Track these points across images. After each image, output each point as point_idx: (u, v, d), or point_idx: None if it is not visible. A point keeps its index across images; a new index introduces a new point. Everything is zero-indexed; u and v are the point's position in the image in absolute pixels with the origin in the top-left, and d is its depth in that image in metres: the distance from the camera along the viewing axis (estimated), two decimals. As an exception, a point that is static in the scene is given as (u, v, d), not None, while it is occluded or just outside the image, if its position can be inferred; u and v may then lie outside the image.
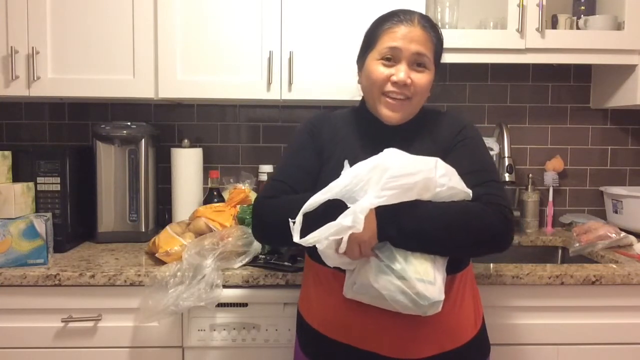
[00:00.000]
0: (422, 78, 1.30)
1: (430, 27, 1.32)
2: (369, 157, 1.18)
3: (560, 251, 2.10)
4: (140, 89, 1.86)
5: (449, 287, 1.24)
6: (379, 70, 1.29)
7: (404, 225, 1.14)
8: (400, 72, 1.27)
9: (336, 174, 1.19)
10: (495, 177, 1.30)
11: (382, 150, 1.20)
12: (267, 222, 1.29)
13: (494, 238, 1.20)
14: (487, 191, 1.23)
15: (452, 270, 1.24)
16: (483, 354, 1.35)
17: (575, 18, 2.05)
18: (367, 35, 1.36)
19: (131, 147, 1.96)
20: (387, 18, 1.32)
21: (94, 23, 1.84)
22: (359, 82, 1.39)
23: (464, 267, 1.30)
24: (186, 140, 2.06)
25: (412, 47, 1.28)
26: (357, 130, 1.37)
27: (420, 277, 1.13)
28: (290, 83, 1.85)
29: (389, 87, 1.29)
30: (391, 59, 1.29)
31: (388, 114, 1.31)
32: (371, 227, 1.13)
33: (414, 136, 1.34)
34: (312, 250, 1.22)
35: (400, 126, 1.33)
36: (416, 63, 1.29)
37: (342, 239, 1.10)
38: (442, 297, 1.15)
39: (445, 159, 1.23)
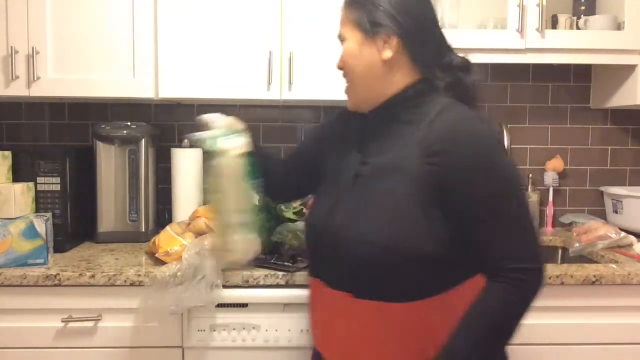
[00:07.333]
0: (344, 49, 1.27)
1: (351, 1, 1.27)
2: (351, 152, 1.24)
3: (560, 251, 2.10)
4: (140, 89, 1.86)
5: (448, 304, 1.12)
6: None
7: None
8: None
9: (337, 168, 1.25)
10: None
11: (359, 144, 1.24)
12: None
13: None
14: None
15: (422, 295, 1.10)
16: None
17: (575, 18, 2.05)
18: None
19: (131, 147, 1.96)
20: None
21: (94, 23, 1.84)
22: None
23: (435, 293, 1.11)
24: (186, 140, 2.06)
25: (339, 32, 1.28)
26: (349, 125, 1.35)
27: None
28: (290, 83, 1.85)
29: None
30: None
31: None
32: None
33: (385, 128, 1.21)
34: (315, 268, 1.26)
35: (372, 115, 1.24)
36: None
37: None
38: None
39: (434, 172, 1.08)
